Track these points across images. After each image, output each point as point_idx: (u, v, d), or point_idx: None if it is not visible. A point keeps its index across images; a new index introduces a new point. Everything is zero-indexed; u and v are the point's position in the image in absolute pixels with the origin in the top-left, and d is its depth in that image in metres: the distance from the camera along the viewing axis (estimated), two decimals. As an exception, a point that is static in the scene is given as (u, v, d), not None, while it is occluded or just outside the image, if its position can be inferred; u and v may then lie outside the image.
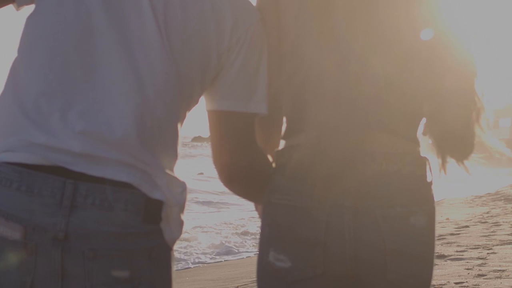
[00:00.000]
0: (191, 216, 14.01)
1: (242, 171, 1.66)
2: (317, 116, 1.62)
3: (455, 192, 19.46)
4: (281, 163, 1.68)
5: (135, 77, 1.49)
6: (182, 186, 1.55)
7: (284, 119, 1.76)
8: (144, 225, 1.48)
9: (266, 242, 1.68)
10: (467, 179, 25.89)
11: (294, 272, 1.62)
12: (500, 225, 10.87)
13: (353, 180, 1.60)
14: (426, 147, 1.71)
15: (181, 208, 1.56)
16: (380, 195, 1.60)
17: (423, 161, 1.68)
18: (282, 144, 1.75)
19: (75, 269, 1.44)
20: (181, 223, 1.56)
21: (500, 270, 6.32)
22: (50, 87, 1.48)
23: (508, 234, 9.29)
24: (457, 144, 1.67)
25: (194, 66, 1.55)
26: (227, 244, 10.38)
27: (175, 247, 1.58)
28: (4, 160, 1.45)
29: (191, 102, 1.60)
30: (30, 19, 1.54)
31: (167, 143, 1.54)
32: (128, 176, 1.46)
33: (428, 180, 1.67)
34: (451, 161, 1.69)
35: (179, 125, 1.57)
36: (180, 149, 1.60)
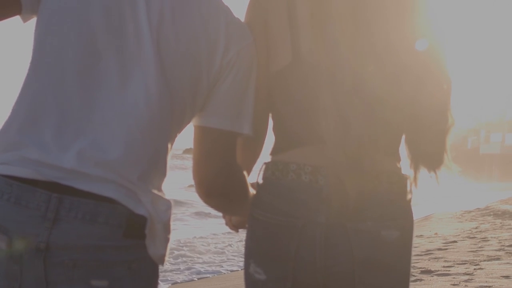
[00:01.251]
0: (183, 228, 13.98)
1: (219, 188, 1.71)
2: (308, 133, 1.70)
3: (445, 206, 19.47)
4: (266, 178, 1.76)
5: (131, 99, 1.55)
6: (167, 204, 1.61)
7: (273, 135, 1.82)
8: (125, 240, 1.54)
9: (248, 254, 1.77)
10: (457, 193, 25.96)
11: (268, 284, 1.72)
12: (488, 240, 10.85)
13: (327, 197, 1.67)
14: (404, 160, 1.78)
15: (166, 226, 1.61)
16: (352, 210, 1.66)
17: (402, 179, 1.74)
18: (269, 159, 1.80)
19: (58, 277, 1.51)
20: (166, 240, 1.62)
21: (486, 286, 6.29)
22: (47, 104, 1.54)
23: (496, 250, 9.26)
24: (428, 159, 1.74)
25: (185, 88, 1.62)
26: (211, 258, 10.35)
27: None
28: None
29: (182, 123, 1.66)
30: (35, 34, 1.60)
31: (156, 164, 1.60)
32: (113, 192, 1.52)
33: (407, 197, 1.74)
34: (440, 174, 1.76)
35: (169, 146, 1.63)
36: (169, 164, 1.65)
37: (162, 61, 1.58)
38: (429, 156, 1.75)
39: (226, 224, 2.04)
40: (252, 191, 1.84)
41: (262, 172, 1.79)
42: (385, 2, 1.71)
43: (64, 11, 1.58)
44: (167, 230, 1.62)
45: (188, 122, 1.70)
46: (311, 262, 1.69)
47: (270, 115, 1.83)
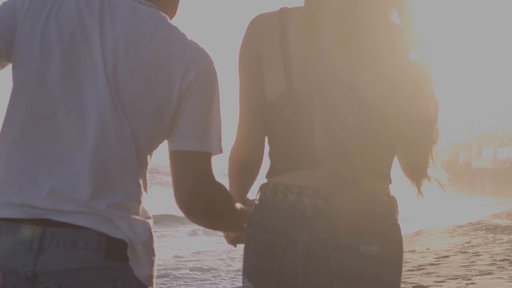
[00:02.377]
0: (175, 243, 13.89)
1: (198, 204, 1.78)
2: (301, 157, 1.80)
3: (437, 221, 19.47)
4: (260, 199, 1.87)
5: (92, 140, 1.67)
6: (145, 226, 1.72)
7: (269, 159, 1.91)
8: (107, 262, 1.66)
9: (243, 270, 1.89)
10: (449, 208, 25.99)
11: None
12: (480, 255, 10.85)
13: (310, 216, 1.77)
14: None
15: (147, 247, 1.72)
16: (332, 228, 1.75)
17: (390, 199, 1.83)
18: (265, 181, 1.89)
19: None
20: (151, 261, 1.73)
21: (478, 301, 6.28)
22: (20, 151, 1.69)
23: (488, 264, 9.25)
24: (412, 171, 1.83)
25: (147, 120, 1.71)
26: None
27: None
28: None
29: (150, 149, 1.77)
30: (12, 82, 1.75)
31: (128, 191, 1.71)
32: (87, 221, 1.66)
33: (395, 216, 1.83)
34: (422, 187, 1.84)
35: (140, 171, 1.74)
36: (146, 188, 1.78)
37: (119, 99, 1.68)
38: (413, 168, 1.83)
39: (225, 238, 2.13)
40: (240, 207, 1.93)
41: (258, 194, 1.89)
42: (374, 26, 1.78)
43: (28, 59, 1.71)
44: (149, 251, 1.73)
45: (158, 145, 1.79)
46: (293, 276, 1.77)
47: (267, 140, 1.92)
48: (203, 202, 1.77)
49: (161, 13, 1.79)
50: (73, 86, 1.69)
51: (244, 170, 1.99)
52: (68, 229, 1.66)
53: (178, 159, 1.76)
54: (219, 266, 11.20)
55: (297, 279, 1.77)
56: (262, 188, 1.87)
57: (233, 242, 2.12)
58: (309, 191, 1.77)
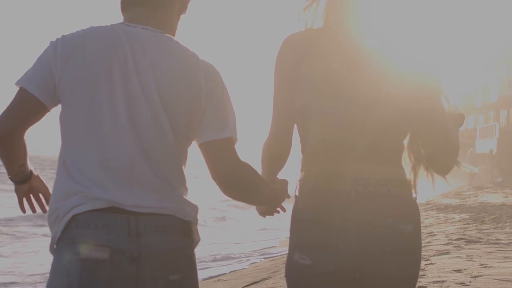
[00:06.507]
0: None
1: (234, 180, 2.24)
2: (321, 158, 2.20)
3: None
4: (301, 190, 2.26)
5: (146, 145, 2.16)
6: (196, 208, 2.25)
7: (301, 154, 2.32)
8: (184, 239, 2.18)
9: (293, 246, 2.27)
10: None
11: (314, 267, 2.20)
12: (435, 235, 10.94)
13: (354, 200, 2.18)
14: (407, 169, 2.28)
15: (197, 223, 2.25)
16: (375, 211, 2.18)
17: (408, 183, 2.27)
18: (300, 175, 2.29)
19: (145, 278, 2.09)
20: (198, 233, 2.26)
21: (440, 281, 6.26)
22: (90, 158, 2.13)
23: (444, 244, 9.32)
24: (437, 165, 2.29)
25: (185, 121, 2.19)
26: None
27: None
28: (77, 212, 2.09)
29: (187, 145, 2.25)
30: (63, 114, 2.19)
31: (183, 182, 2.22)
32: (167, 211, 2.14)
33: (412, 196, 2.26)
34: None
35: (185, 164, 2.26)
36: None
37: (164, 107, 2.15)
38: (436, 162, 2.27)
39: (257, 211, 2.56)
40: (266, 185, 2.34)
41: (297, 187, 2.28)
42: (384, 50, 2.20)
43: (76, 94, 2.15)
44: (196, 226, 2.26)
45: (191, 142, 2.25)
46: (349, 250, 2.18)
47: (299, 140, 2.31)
48: (236, 177, 2.23)
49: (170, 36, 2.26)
50: (119, 103, 2.13)
51: (274, 160, 2.40)
52: (157, 216, 2.12)
53: (209, 148, 2.22)
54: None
55: (351, 250, 2.17)
56: (304, 181, 2.24)
57: (263, 213, 2.53)
58: (348, 179, 2.18)
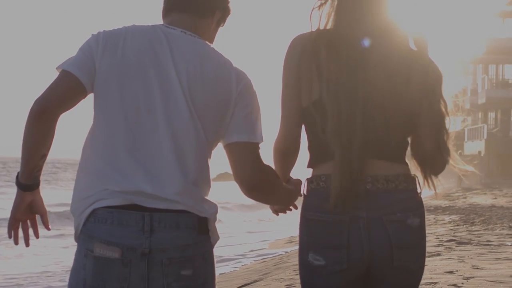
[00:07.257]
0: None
1: (256, 182, 2.30)
2: (333, 153, 2.24)
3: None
4: (311, 188, 2.32)
5: (175, 138, 2.22)
6: (215, 207, 2.30)
7: (308, 152, 2.39)
8: (199, 236, 2.22)
9: (306, 247, 2.31)
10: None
11: (328, 267, 2.26)
12: (426, 236, 10.87)
13: (363, 197, 2.24)
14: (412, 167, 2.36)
15: (215, 221, 2.30)
16: (384, 207, 2.26)
17: (413, 178, 2.34)
18: (310, 172, 2.36)
19: (156, 273, 2.16)
20: (216, 230, 2.31)
21: (432, 283, 6.22)
22: (117, 151, 2.21)
23: (435, 246, 9.28)
24: (433, 164, 2.36)
25: (214, 120, 2.27)
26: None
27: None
28: (97, 207, 2.18)
29: (213, 145, 2.32)
30: (97, 104, 2.27)
31: (205, 178, 2.28)
32: (183, 206, 2.19)
33: (418, 191, 2.33)
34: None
35: (209, 162, 2.31)
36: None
37: (194, 106, 2.23)
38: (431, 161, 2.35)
39: (271, 209, 2.65)
40: (284, 187, 2.42)
41: (306, 186, 2.35)
42: (393, 51, 2.27)
43: (110, 85, 2.24)
44: (215, 223, 2.31)
45: (218, 142, 2.32)
46: (360, 247, 2.25)
47: (306, 137, 2.37)
48: (258, 179, 2.29)
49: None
50: (155, 99, 2.22)
51: (284, 158, 2.44)
52: (171, 213, 2.18)
53: (235, 149, 2.29)
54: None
55: (363, 248, 2.24)
56: (314, 179, 2.31)
57: (276, 212, 2.62)
58: (357, 177, 2.23)
